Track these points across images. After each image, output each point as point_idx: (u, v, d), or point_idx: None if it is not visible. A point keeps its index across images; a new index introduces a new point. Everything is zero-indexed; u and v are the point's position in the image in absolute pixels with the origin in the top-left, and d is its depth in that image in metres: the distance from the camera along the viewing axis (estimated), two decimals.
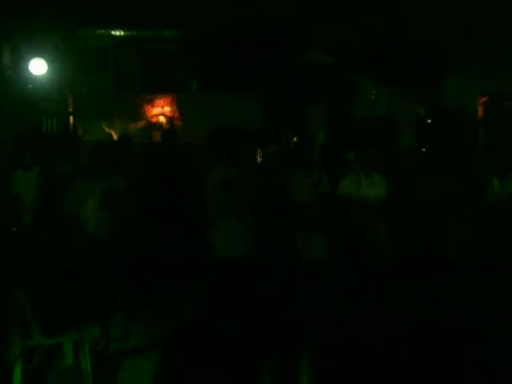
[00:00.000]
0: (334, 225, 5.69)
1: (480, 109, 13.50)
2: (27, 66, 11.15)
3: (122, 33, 13.16)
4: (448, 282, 5.89)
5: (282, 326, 5.23)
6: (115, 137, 11.76)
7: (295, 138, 10.04)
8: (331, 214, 5.62)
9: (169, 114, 12.95)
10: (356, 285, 5.79)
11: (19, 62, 11.51)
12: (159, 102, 12.98)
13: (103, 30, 13.05)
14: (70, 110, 12.94)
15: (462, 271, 5.98)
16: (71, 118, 12.93)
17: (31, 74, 11.20)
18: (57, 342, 4.57)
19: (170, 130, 9.57)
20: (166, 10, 11.28)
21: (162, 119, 12.95)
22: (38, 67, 11.15)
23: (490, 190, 7.24)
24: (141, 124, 12.85)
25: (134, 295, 5.65)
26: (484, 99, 13.41)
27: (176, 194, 6.85)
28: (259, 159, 8.81)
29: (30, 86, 11.56)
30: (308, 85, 12.21)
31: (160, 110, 12.97)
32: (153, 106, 12.97)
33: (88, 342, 4.43)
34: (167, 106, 12.97)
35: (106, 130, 12.40)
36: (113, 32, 13.10)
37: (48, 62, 11.23)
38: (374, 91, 13.03)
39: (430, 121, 13.08)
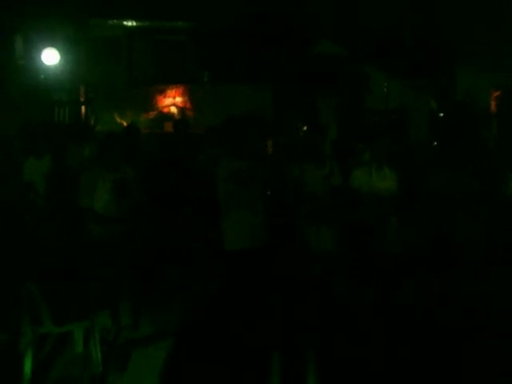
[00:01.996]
0: (345, 217, 5.67)
1: (493, 103, 13.41)
2: (39, 56, 11.18)
3: (134, 23, 13.17)
4: (456, 278, 5.86)
5: (290, 321, 5.23)
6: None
7: (305, 127, 9.99)
8: (343, 206, 5.60)
9: (180, 105, 12.95)
10: (365, 277, 5.78)
11: (31, 51, 11.56)
12: (171, 92, 12.99)
13: (115, 21, 13.06)
14: (82, 99, 12.99)
15: (470, 267, 5.96)
16: (83, 108, 12.98)
17: (43, 63, 11.24)
18: (67, 330, 4.58)
19: (181, 120, 9.54)
20: (177, 1, 11.29)
21: (173, 110, 12.95)
22: (50, 57, 11.19)
23: (504, 184, 7.17)
24: (152, 114, 12.86)
25: (144, 285, 5.66)
26: (497, 93, 13.33)
27: (187, 185, 6.84)
28: (270, 150, 8.78)
29: (42, 76, 11.61)
30: (320, 76, 12.17)
31: (172, 101, 12.97)
32: (164, 97, 12.98)
33: (98, 331, 4.44)
34: (179, 96, 12.97)
35: (118, 120, 12.42)
36: (125, 23, 13.12)
37: (60, 52, 11.26)
38: (386, 84, 12.97)
39: (442, 114, 13.02)
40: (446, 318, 5.32)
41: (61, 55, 11.26)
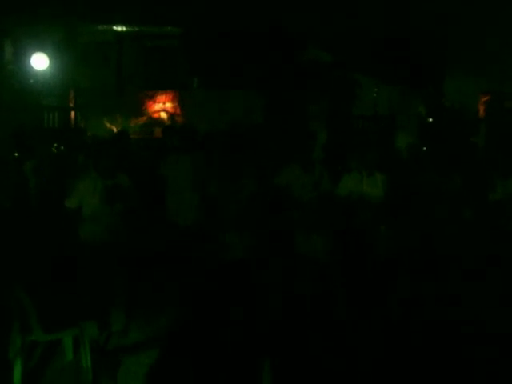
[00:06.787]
0: (335, 223, 5.69)
1: (481, 108, 13.46)
2: (29, 61, 11.15)
3: (124, 28, 13.13)
4: (439, 279, 5.89)
5: (279, 327, 5.24)
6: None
7: None
8: (332, 213, 5.62)
9: (170, 110, 12.95)
10: (356, 282, 5.80)
11: (21, 56, 11.51)
12: (161, 98, 12.98)
13: (105, 26, 13.02)
14: (72, 105, 12.95)
15: (452, 268, 6.00)
16: (72, 113, 12.94)
17: (33, 68, 11.20)
18: (57, 338, 4.56)
19: (169, 127, 9.54)
20: (168, 6, 11.27)
21: (163, 115, 12.94)
22: (39, 62, 11.15)
23: (491, 189, 7.23)
24: (142, 120, 12.84)
25: (134, 291, 5.65)
26: (485, 98, 13.38)
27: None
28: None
29: (31, 81, 11.56)
30: (310, 82, 12.20)
31: (161, 106, 12.96)
32: (154, 102, 12.97)
33: (88, 338, 4.42)
34: (169, 102, 12.97)
35: (108, 125, 12.39)
36: (115, 28, 13.07)
37: (49, 57, 11.23)
38: (375, 90, 13.01)
39: (431, 120, 13.06)
40: (438, 322, 5.34)
41: (50, 60, 11.22)
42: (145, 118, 12.88)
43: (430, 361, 4.70)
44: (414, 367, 4.63)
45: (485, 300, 5.71)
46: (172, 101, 12.98)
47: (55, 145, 7.95)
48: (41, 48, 11.22)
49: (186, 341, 5.14)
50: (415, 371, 4.58)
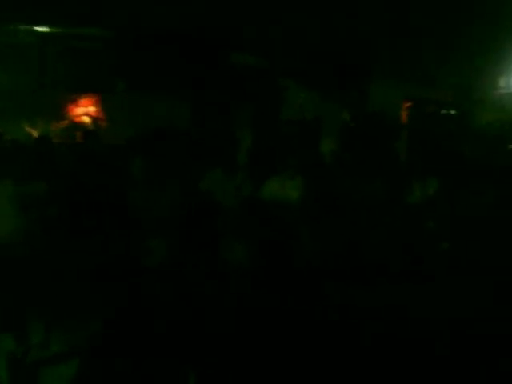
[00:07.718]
0: (257, 229, 5.71)
1: (404, 114, 13.89)
2: None
3: (47, 29, 12.77)
4: (365, 286, 6.00)
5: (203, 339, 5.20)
6: (36, 136, 11.38)
7: None
8: (255, 218, 5.65)
9: (93, 115, 12.67)
10: (280, 291, 5.82)
11: None
12: (84, 101, 12.67)
13: (26, 26, 12.62)
14: None
15: (379, 274, 6.12)
16: None
17: None
18: None
19: (90, 132, 9.36)
20: (92, 7, 11.06)
21: (85, 119, 12.65)
22: None
23: (410, 193, 7.46)
24: (64, 124, 12.50)
25: (54, 301, 5.50)
26: (408, 105, 13.81)
27: (96, 197, 6.70)
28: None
29: None
30: (235, 87, 12.25)
31: (84, 110, 12.66)
32: (77, 106, 12.65)
33: (4, 351, 4.30)
34: (92, 105, 12.69)
35: (27, 129, 11.98)
36: (37, 28, 12.70)
37: None
38: (302, 95, 13.20)
39: (354, 125, 13.37)
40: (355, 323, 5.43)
41: None
42: (67, 122, 12.54)
43: (361, 369, 4.79)
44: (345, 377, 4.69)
45: (412, 301, 5.86)
46: (95, 104, 12.71)
47: None
48: None
49: (107, 351, 5.04)
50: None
